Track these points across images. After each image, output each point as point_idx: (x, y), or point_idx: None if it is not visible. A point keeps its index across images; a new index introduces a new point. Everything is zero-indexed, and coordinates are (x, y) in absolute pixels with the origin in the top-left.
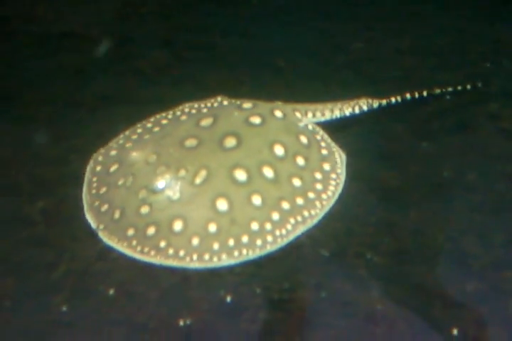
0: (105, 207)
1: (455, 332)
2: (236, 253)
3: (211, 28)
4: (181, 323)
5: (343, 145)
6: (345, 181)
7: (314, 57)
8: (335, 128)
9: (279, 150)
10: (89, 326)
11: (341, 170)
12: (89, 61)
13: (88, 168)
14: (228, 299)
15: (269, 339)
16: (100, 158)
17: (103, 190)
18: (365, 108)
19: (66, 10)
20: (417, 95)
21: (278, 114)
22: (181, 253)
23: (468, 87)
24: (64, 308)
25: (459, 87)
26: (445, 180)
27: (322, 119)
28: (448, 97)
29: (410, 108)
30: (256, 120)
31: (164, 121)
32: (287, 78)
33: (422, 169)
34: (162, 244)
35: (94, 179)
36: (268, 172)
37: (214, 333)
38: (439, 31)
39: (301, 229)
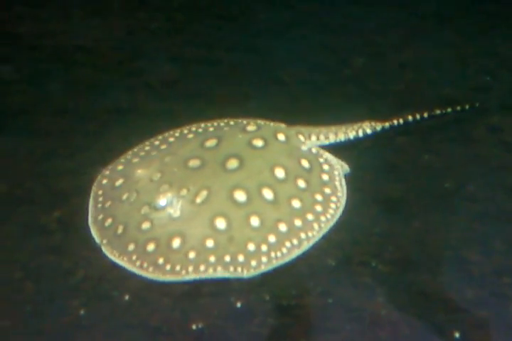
0: (109, 221)
1: (457, 335)
2: (231, 268)
3: (218, 43)
4: (194, 327)
5: (347, 157)
6: (350, 192)
7: (319, 72)
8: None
9: (279, 172)
10: (105, 329)
11: (342, 193)
12: (101, 75)
13: (95, 182)
14: (238, 305)
15: None
16: (107, 173)
17: (108, 204)
18: (368, 131)
19: (78, 25)
20: (418, 117)
21: (281, 137)
22: (177, 267)
23: (467, 106)
24: (82, 312)
25: (458, 108)
26: (447, 191)
27: (326, 143)
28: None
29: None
30: (259, 143)
31: (171, 139)
32: (292, 92)
33: (424, 180)
34: (160, 260)
35: (100, 192)
36: (268, 193)
37: (225, 337)
38: (440, 45)
39: (296, 253)
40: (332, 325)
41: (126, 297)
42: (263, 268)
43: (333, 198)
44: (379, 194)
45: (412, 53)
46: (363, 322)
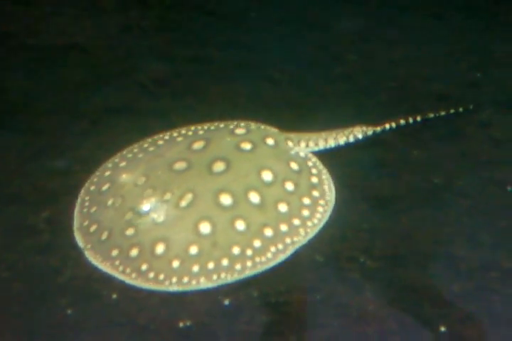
0: (94, 227)
1: (443, 329)
2: (215, 276)
3: (210, 40)
4: (181, 325)
5: (336, 153)
6: (339, 189)
7: (311, 69)
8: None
9: (267, 175)
10: (93, 328)
11: (330, 197)
12: (92, 74)
13: (83, 188)
14: (226, 302)
15: (266, 339)
16: (95, 179)
17: (93, 209)
18: (359, 136)
19: (69, 24)
20: (411, 120)
21: (270, 141)
22: (161, 277)
23: (461, 109)
24: (69, 311)
25: (452, 110)
26: (436, 187)
27: (316, 149)
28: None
29: (402, 117)
30: (247, 146)
31: (160, 142)
32: (284, 89)
33: (413, 176)
34: (143, 266)
35: (87, 198)
36: (254, 197)
37: (213, 334)
38: (432, 42)
39: (281, 258)
40: (320, 320)
41: (114, 295)
42: (247, 273)
43: (321, 202)
44: (368, 190)
45: (403, 50)
46: (351, 317)
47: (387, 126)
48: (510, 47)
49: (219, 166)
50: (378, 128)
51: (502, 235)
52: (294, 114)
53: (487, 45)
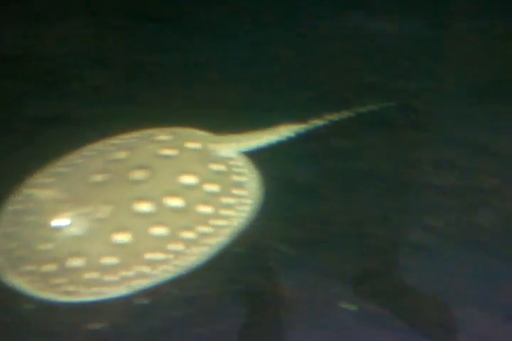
0: (11, 245)
1: (355, 307)
2: (134, 284)
3: (150, 46)
4: (94, 327)
5: (266, 151)
6: (267, 183)
7: (247, 69)
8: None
9: (189, 179)
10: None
11: (255, 194)
12: (27, 86)
13: (1, 208)
14: (144, 302)
15: (181, 333)
16: (16, 197)
17: (12, 228)
18: (288, 134)
19: (5, 34)
20: (337, 118)
21: (194, 145)
22: (76, 289)
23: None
24: None
25: (383, 104)
26: (358, 172)
27: (245, 149)
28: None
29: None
30: (168, 152)
31: (86, 153)
32: (219, 90)
33: (335, 163)
34: (58, 280)
35: (5, 218)
36: (175, 202)
37: (127, 334)
38: (363, 35)
39: (202, 260)
40: (235, 311)
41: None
42: (168, 277)
43: (246, 200)
44: (293, 181)
45: (341, 44)
46: (270, 305)
47: (313, 123)
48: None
49: (139, 175)
50: (303, 126)
51: (411, 214)
52: (227, 114)
53: (414, 33)
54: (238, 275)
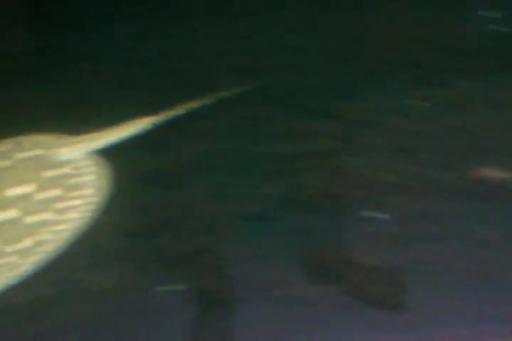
0: None
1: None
2: None
3: None
4: None
5: (121, 146)
6: (119, 178)
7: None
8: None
9: (27, 188)
10: None
11: (103, 192)
12: None
13: None
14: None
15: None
16: None
17: None
18: (140, 128)
19: None
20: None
21: (36, 152)
22: None
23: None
24: None
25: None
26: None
27: (96, 147)
28: None
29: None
30: (4, 163)
31: None
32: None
33: (190, 148)
34: None
35: None
36: (9, 213)
37: None
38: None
39: (40, 265)
40: (69, 307)
41: None
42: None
43: (91, 199)
44: (146, 172)
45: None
46: (90, 293)
47: (165, 116)
48: None
49: None
50: (156, 118)
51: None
52: (80, 114)
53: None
54: (79, 273)
